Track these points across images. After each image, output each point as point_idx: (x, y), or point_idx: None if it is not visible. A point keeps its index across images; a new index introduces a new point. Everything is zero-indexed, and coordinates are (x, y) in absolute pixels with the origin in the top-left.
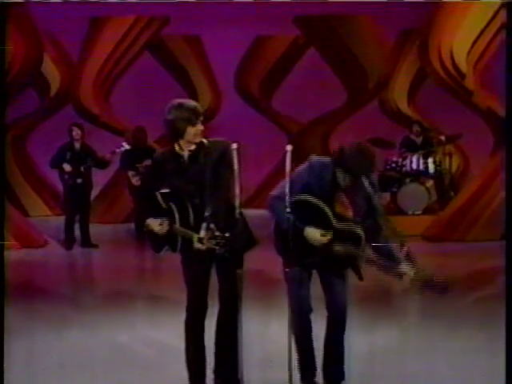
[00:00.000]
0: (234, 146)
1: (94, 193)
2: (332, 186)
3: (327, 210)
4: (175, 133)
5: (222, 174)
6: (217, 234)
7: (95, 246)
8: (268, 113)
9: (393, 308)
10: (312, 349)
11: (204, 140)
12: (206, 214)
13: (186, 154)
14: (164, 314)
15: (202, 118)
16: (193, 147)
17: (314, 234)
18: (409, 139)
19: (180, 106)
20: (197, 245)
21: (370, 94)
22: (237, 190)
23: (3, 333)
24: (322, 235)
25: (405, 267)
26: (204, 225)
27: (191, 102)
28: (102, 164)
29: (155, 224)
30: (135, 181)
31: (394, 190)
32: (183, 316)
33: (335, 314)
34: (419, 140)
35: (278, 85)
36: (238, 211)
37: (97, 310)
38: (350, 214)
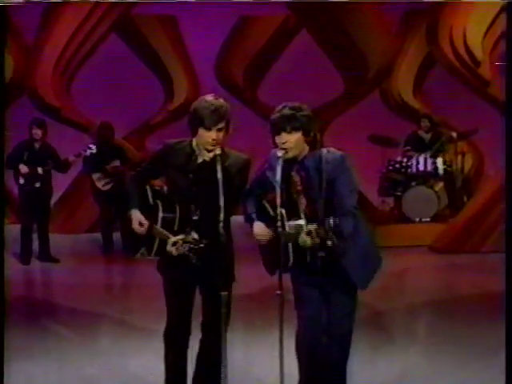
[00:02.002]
0: (218, 151)
1: (54, 199)
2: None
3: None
4: (191, 129)
5: (231, 189)
6: (192, 239)
7: (56, 261)
8: (254, 104)
9: (394, 335)
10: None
11: (219, 151)
12: (194, 218)
13: (200, 156)
14: (135, 342)
15: (221, 126)
16: (211, 155)
17: (259, 227)
18: (415, 136)
19: (201, 101)
20: (169, 248)
21: (371, 84)
22: (221, 202)
23: None
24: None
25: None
26: (188, 229)
27: (215, 102)
28: (64, 166)
29: (136, 219)
30: (101, 185)
31: (398, 194)
32: (158, 343)
33: (337, 340)
34: (427, 137)
35: (264, 73)
36: (221, 225)
37: (59, 336)
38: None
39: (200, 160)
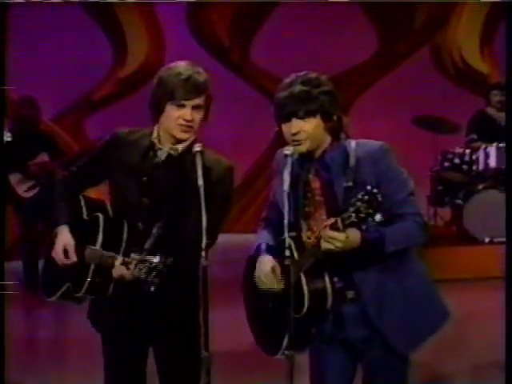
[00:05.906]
0: (198, 147)
1: None
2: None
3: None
4: (152, 108)
5: (210, 205)
6: (153, 259)
7: None
8: (245, 71)
9: None
10: None
11: (200, 147)
12: (154, 231)
13: (164, 149)
14: None
15: (199, 102)
16: (179, 147)
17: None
18: (483, 116)
19: (170, 68)
20: (119, 270)
21: (417, 40)
22: (204, 221)
23: None
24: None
25: None
26: (146, 244)
27: (191, 69)
28: None
29: (61, 243)
30: (23, 190)
31: (459, 202)
32: None
33: None
34: (501, 117)
35: (259, 25)
36: (203, 255)
37: None
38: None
39: (162, 156)
